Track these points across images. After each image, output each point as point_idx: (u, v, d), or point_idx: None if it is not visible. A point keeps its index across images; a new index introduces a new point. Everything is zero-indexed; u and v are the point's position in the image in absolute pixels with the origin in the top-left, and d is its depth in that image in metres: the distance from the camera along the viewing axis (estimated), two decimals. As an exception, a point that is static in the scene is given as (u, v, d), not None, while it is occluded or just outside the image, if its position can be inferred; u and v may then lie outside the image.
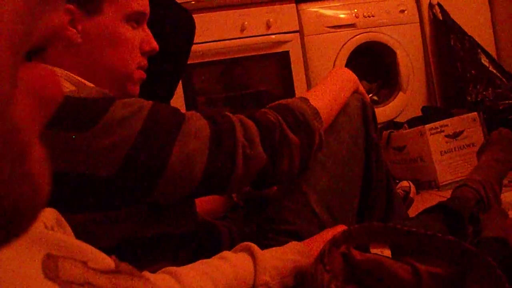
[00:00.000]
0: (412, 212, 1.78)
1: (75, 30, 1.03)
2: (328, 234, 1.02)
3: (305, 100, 1.12)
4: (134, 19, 1.11)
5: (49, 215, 0.53)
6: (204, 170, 0.90)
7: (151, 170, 0.86)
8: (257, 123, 0.99)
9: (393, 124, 3.02)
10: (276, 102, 1.10)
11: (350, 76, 1.29)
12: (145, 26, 1.15)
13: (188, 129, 0.91)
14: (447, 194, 1.93)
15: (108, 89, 1.05)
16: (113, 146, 0.84)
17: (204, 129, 0.93)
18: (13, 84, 0.19)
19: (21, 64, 0.20)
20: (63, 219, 0.56)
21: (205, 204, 1.38)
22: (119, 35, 1.07)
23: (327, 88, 1.22)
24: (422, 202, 2.21)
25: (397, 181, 2.28)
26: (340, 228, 1.03)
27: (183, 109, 2.86)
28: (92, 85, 1.03)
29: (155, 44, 1.16)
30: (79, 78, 1.02)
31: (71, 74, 1.01)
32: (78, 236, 0.52)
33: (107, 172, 0.83)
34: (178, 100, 2.91)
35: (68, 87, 0.98)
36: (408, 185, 2.22)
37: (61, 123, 0.82)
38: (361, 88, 1.32)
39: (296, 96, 1.20)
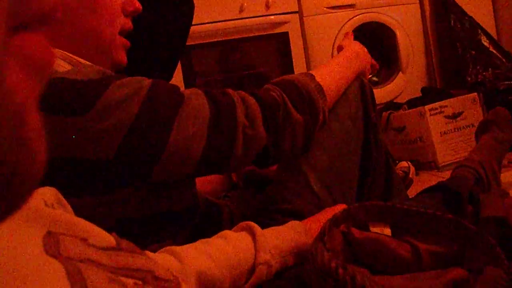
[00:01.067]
0: (412, 192, 1.78)
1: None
2: (328, 213, 1.02)
3: (311, 76, 1.11)
4: None
5: (49, 193, 0.53)
6: (203, 152, 0.90)
7: (149, 153, 0.85)
8: (259, 101, 0.98)
9: (392, 105, 3.02)
10: (281, 78, 1.09)
11: (362, 56, 1.29)
12: None
13: (187, 111, 0.89)
14: (446, 175, 1.93)
15: (97, 60, 1.04)
16: (110, 130, 0.82)
17: (204, 110, 0.91)
18: (4, 50, 0.19)
19: (11, 33, 0.20)
20: (63, 198, 0.56)
21: (205, 183, 1.38)
22: (97, 0, 1.04)
23: (335, 66, 1.21)
24: (422, 182, 2.21)
25: (397, 162, 2.28)
26: (340, 207, 1.03)
27: (182, 91, 2.86)
28: (88, 63, 1.02)
29: (138, 4, 1.13)
30: (75, 57, 1.00)
31: (66, 52, 0.99)
32: (78, 216, 0.52)
33: (105, 156, 0.83)
34: (176, 82, 2.90)
35: (64, 67, 0.97)
36: (407, 165, 2.22)
37: (58, 107, 0.81)
38: (369, 70, 1.32)
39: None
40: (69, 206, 0.58)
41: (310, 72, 1.14)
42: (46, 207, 0.48)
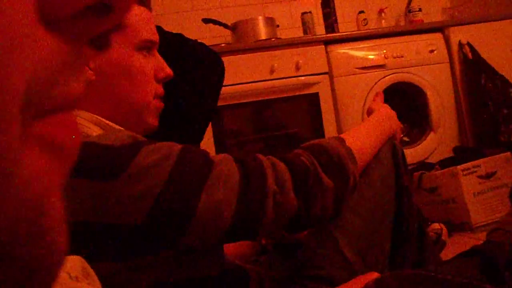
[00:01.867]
0: (445, 255, 1.74)
1: (87, 68, 1.04)
2: (360, 281, 1.00)
3: (341, 140, 1.11)
4: (145, 47, 1.11)
5: (74, 263, 0.53)
6: (233, 218, 0.88)
7: (178, 219, 0.85)
8: (290, 166, 0.97)
9: (424, 165, 2.99)
10: (311, 142, 1.09)
11: (392, 120, 1.29)
12: (156, 53, 1.16)
13: (217, 176, 0.89)
14: (481, 236, 1.89)
15: (129, 124, 1.05)
16: (140, 195, 0.82)
17: (234, 176, 0.91)
18: (21, 143, 0.19)
19: (34, 118, 0.20)
20: (89, 267, 0.55)
21: (234, 247, 1.37)
22: (132, 65, 1.08)
23: (365, 129, 1.21)
24: (455, 244, 2.17)
25: (429, 223, 2.24)
26: (372, 275, 1.01)
27: (212, 152, 2.87)
28: (119, 127, 1.03)
29: (169, 70, 1.16)
30: (107, 121, 1.02)
31: (98, 117, 1.01)
32: (105, 283, 0.52)
33: (134, 221, 0.82)
34: (208, 143, 2.92)
35: (96, 131, 0.99)
36: (439, 227, 2.18)
37: (87, 172, 0.81)
38: (399, 133, 1.31)
39: (326, 137, 1.19)
40: (95, 276, 0.57)
41: (341, 136, 1.14)
42: (70, 280, 0.48)
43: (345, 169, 1.04)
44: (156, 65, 1.14)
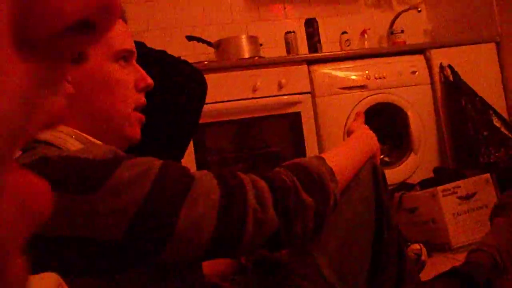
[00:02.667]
0: (424, 275, 1.74)
1: (65, 81, 1.03)
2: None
3: (321, 159, 1.10)
4: (122, 57, 1.10)
5: (50, 282, 0.52)
6: (212, 234, 0.87)
7: (158, 234, 0.84)
8: (270, 184, 0.96)
9: (405, 186, 3.00)
10: (291, 161, 1.08)
11: (371, 140, 1.29)
12: (135, 63, 1.14)
13: (197, 192, 0.88)
14: (460, 257, 1.90)
15: (110, 137, 1.04)
16: (119, 210, 0.81)
17: (214, 192, 0.90)
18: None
19: (10, 169, 0.19)
20: (65, 284, 0.55)
21: (212, 265, 1.36)
22: (109, 77, 1.06)
23: (345, 150, 1.21)
24: (435, 265, 2.17)
25: (409, 243, 2.25)
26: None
27: (193, 169, 2.86)
28: (99, 142, 1.03)
29: (149, 80, 1.14)
30: (86, 136, 1.01)
31: (77, 131, 1.00)
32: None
33: (113, 237, 0.81)
34: (189, 160, 2.91)
35: (75, 145, 0.98)
36: (419, 247, 2.18)
37: (66, 185, 0.81)
38: (379, 154, 1.32)
39: (307, 156, 1.19)
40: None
41: (321, 155, 1.14)
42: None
43: (325, 188, 1.04)
44: (135, 75, 1.13)
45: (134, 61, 1.14)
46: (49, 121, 0.21)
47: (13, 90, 0.19)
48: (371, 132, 1.35)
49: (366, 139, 1.29)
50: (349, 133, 1.36)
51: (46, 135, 0.96)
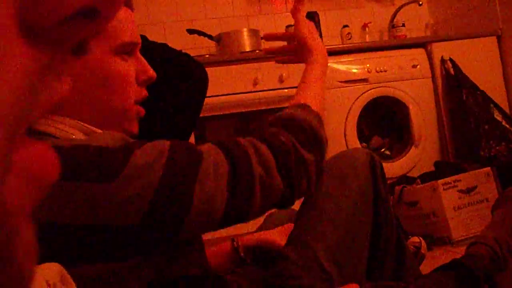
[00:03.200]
0: (425, 268, 1.75)
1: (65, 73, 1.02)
2: (339, 292, 1.00)
3: (307, 107, 1.10)
4: (124, 51, 1.07)
5: (53, 271, 0.52)
6: (225, 204, 0.89)
7: (176, 213, 0.86)
8: (271, 147, 0.97)
9: (405, 179, 3.00)
10: (280, 116, 1.08)
11: (326, 60, 1.29)
12: (139, 55, 1.12)
13: (206, 168, 0.90)
14: (461, 250, 1.90)
15: (107, 130, 1.04)
16: (136, 196, 0.83)
17: (222, 165, 0.91)
18: (6, 168, 0.19)
19: (18, 144, 0.20)
20: (67, 275, 0.55)
21: (212, 258, 1.36)
22: (110, 71, 1.04)
23: (318, 87, 1.19)
24: (435, 258, 2.18)
25: (409, 236, 2.25)
26: (352, 286, 1.01)
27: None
28: (100, 131, 1.02)
29: (151, 72, 1.13)
30: (87, 125, 1.01)
31: (80, 122, 1.00)
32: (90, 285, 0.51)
33: (131, 222, 0.83)
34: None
35: (79, 136, 0.98)
36: (418, 240, 2.18)
37: (83, 174, 0.81)
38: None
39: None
40: (73, 284, 0.57)
41: (303, 102, 1.13)
42: (48, 287, 0.47)
43: (319, 138, 1.05)
44: (137, 68, 1.10)
45: (137, 52, 1.12)
46: (52, 105, 0.22)
47: (20, 73, 0.19)
48: (321, 44, 1.30)
49: (326, 63, 1.27)
50: (300, 39, 1.30)
51: (49, 128, 0.96)
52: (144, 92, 1.13)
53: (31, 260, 0.21)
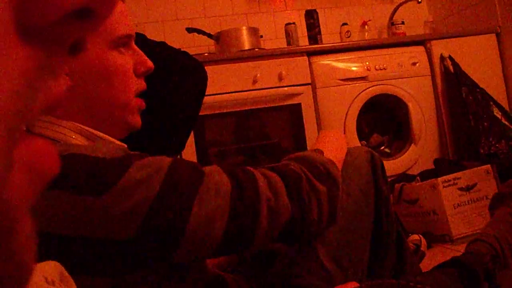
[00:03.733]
0: (424, 266, 1.75)
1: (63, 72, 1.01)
2: (339, 290, 1.00)
3: (320, 151, 1.11)
4: (121, 43, 1.06)
5: (51, 269, 0.52)
6: (226, 228, 0.86)
7: (170, 232, 0.83)
8: (280, 174, 0.96)
9: (405, 177, 3.00)
10: (293, 155, 1.07)
11: (343, 138, 1.30)
12: (134, 47, 1.11)
13: (208, 187, 0.87)
14: (461, 248, 1.90)
15: (111, 127, 1.04)
16: (130, 210, 0.81)
17: (225, 184, 0.89)
18: (8, 165, 0.19)
19: (19, 139, 0.20)
20: (67, 273, 0.55)
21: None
22: (108, 66, 1.03)
23: (329, 145, 1.21)
24: (435, 256, 2.18)
25: (409, 234, 2.25)
26: (352, 285, 1.01)
27: (194, 161, 2.86)
28: (105, 136, 1.02)
29: (150, 63, 1.12)
30: (91, 130, 1.00)
31: (80, 125, 0.99)
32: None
33: (124, 236, 0.81)
34: (189, 152, 2.91)
35: (79, 141, 0.97)
36: (418, 238, 2.19)
37: (77, 186, 0.80)
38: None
39: (308, 148, 1.19)
40: (73, 282, 0.57)
41: (316, 148, 1.14)
42: (46, 284, 0.47)
43: (332, 175, 1.04)
44: (135, 59, 1.10)
45: (133, 44, 1.11)
46: (51, 104, 0.22)
47: (17, 72, 0.19)
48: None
49: (338, 136, 1.29)
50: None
51: (45, 130, 0.95)
52: (143, 84, 1.12)
53: (31, 253, 0.22)
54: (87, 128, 1.00)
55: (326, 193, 1.00)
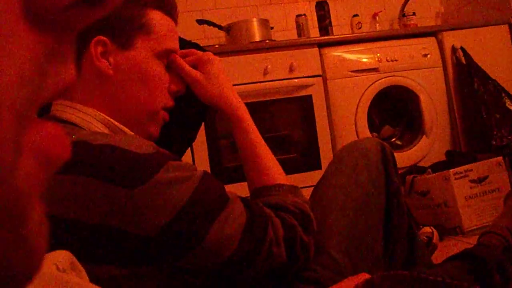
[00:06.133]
0: (437, 258, 1.74)
1: (106, 62, 1.04)
2: (350, 282, 1.00)
3: (298, 192, 1.14)
4: (165, 56, 1.12)
5: (62, 257, 0.52)
6: (230, 255, 0.92)
7: (187, 241, 0.87)
8: (283, 224, 1.01)
9: (416, 169, 2.99)
10: (283, 203, 1.07)
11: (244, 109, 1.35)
12: (174, 67, 1.16)
13: (228, 213, 0.92)
14: (472, 240, 1.89)
15: (132, 129, 1.05)
16: (159, 209, 0.84)
17: (242, 216, 0.94)
18: (17, 151, 0.19)
19: (28, 125, 0.20)
20: (77, 262, 0.55)
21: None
22: (150, 71, 1.08)
23: (264, 151, 1.25)
24: (447, 248, 2.17)
25: (421, 226, 2.25)
26: (363, 276, 1.00)
27: (205, 153, 2.87)
28: (127, 129, 1.04)
29: (182, 85, 1.17)
30: (112, 121, 1.02)
31: (104, 115, 1.02)
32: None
33: (146, 233, 0.84)
34: (200, 144, 2.92)
35: (99, 128, 0.99)
36: (430, 230, 2.18)
37: (110, 176, 0.83)
38: None
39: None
40: (84, 271, 0.57)
41: (272, 183, 1.15)
42: (58, 271, 0.48)
43: (313, 222, 1.08)
44: (171, 77, 1.14)
45: (174, 63, 1.16)
46: (61, 89, 0.22)
47: (26, 58, 0.19)
48: (228, 91, 1.29)
49: (245, 110, 1.35)
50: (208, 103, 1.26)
51: (71, 116, 0.99)
52: (171, 102, 1.15)
53: (42, 239, 0.22)
54: (109, 118, 1.02)
55: (312, 244, 1.06)
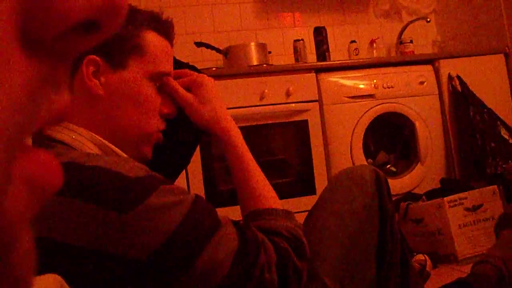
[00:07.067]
0: (430, 286, 1.74)
1: (97, 82, 1.03)
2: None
3: (292, 217, 1.12)
4: (158, 79, 1.11)
5: (52, 281, 0.52)
6: (223, 278, 0.90)
7: (178, 266, 0.86)
8: (276, 249, 0.99)
9: (411, 196, 2.99)
10: (276, 228, 1.07)
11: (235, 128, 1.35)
12: (165, 89, 1.16)
13: (220, 238, 0.91)
14: (466, 269, 1.89)
15: (124, 150, 1.05)
16: (150, 233, 0.83)
17: (233, 241, 0.93)
18: (7, 179, 0.19)
19: (19, 153, 0.20)
20: (67, 286, 0.55)
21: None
22: (142, 93, 1.07)
23: (254, 170, 1.24)
24: (441, 276, 2.16)
25: (414, 254, 2.24)
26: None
27: (200, 176, 2.86)
28: (119, 150, 1.03)
29: (174, 108, 1.16)
30: (104, 141, 1.02)
31: (97, 136, 1.01)
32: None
33: (136, 257, 0.83)
34: (195, 166, 2.91)
35: (92, 149, 0.98)
36: (424, 258, 2.17)
37: (100, 199, 0.82)
38: None
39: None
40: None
41: (265, 208, 1.14)
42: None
43: (306, 248, 1.06)
44: (163, 99, 1.14)
45: (165, 86, 1.16)
46: (54, 117, 0.22)
47: (19, 84, 0.19)
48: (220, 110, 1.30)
49: (236, 129, 1.35)
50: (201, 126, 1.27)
51: (63, 136, 0.98)
52: (163, 125, 1.15)
53: (29, 268, 0.21)
54: (101, 139, 1.01)
55: (304, 270, 1.03)
